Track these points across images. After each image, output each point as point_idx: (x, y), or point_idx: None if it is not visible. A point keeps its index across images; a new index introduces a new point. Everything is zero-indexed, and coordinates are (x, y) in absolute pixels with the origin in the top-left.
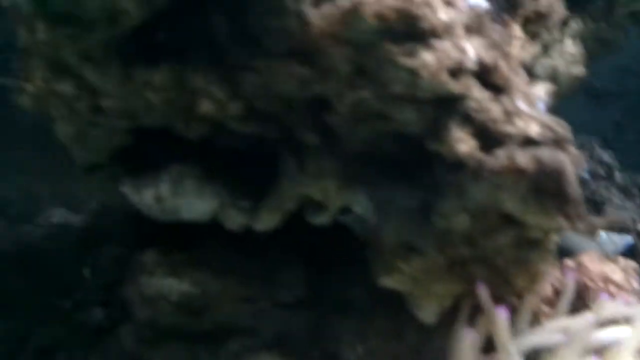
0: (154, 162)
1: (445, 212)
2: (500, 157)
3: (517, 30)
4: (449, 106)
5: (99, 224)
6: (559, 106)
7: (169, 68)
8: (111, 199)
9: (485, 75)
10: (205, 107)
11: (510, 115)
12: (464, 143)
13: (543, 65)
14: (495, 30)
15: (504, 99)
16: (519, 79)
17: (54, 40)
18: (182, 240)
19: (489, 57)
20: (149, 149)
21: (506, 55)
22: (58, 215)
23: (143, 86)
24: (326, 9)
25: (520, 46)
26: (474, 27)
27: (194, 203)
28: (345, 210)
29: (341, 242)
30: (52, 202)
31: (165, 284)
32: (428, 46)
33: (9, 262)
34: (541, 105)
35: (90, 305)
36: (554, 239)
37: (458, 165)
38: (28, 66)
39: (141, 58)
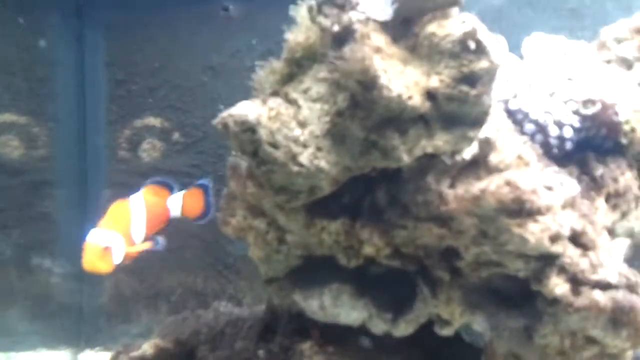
0: (319, 280)
1: (544, 334)
2: (586, 298)
3: (601, 203)
4: (549, 261)
5: (271, 320)
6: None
7: (342, 221)
8: (281, 302)
9: (577, 238)
10: (368, 250)
11: (595, 266)
12: (559, 287)
13: (622, 227)
14: (584, 205)
15: (591, 255)
16: (602, 239)
17: (258, 194)
18: (334, 337)
19: (579, 225)
20: (314, 270)
21: (592, 222)
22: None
23: (320, 230)
24: (460, 191)
25: (603, 214)
26: (569, 204)
27: (350, 312)
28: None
29: (460, 349)
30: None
31: None
32: (534, 220)
33: None
34: (619, 257)
35: None
36: (629, 353)
37: (554, 301)
38: (230, 206)
39: (323, 212)
